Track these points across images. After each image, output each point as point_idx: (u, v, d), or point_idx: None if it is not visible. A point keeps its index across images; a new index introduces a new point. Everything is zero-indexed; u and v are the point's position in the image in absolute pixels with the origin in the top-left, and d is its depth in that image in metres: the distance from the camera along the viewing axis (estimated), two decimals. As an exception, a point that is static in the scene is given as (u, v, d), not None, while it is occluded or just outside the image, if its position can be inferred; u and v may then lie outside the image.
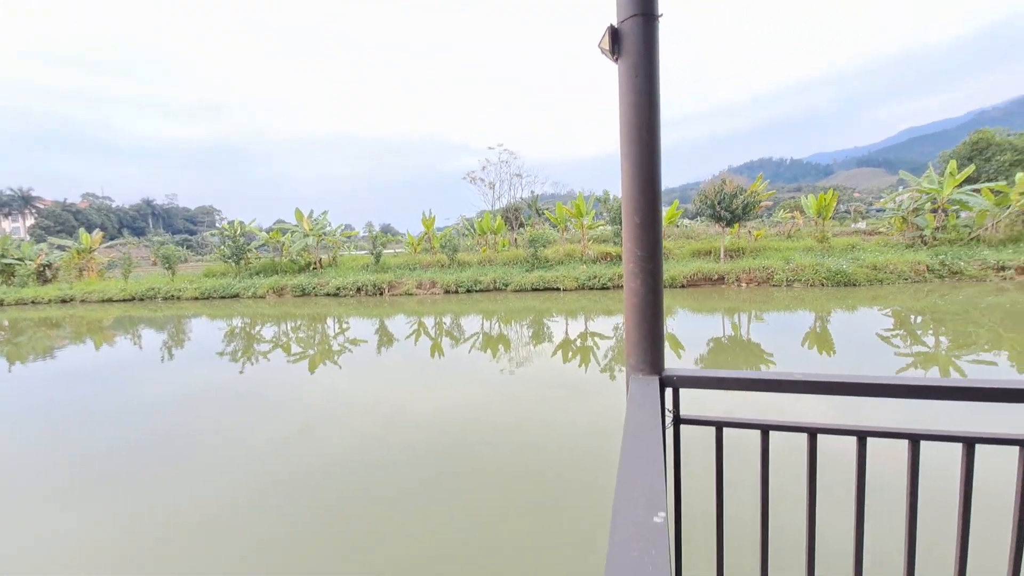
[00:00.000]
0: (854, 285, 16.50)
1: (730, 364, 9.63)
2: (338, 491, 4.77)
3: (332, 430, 6.47)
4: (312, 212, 25.46)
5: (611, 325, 13.54)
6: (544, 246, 21.19)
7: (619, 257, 20.72)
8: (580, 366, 9.61)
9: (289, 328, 15.17)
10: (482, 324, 14.53)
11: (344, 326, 15.04)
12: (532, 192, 33.29)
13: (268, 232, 26.08)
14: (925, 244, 19.08)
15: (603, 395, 7.87)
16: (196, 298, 22.24)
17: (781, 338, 11.44)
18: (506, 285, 19.62)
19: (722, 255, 19.71)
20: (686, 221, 41.01)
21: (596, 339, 11.96)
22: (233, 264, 24.39)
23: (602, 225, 23.94)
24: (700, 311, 15.12)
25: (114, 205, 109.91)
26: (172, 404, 7.85)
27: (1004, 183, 19.37)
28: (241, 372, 10.07)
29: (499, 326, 14.35)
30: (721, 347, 10.82)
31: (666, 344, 10.97)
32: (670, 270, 18.54)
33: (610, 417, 6.59)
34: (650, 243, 1.31)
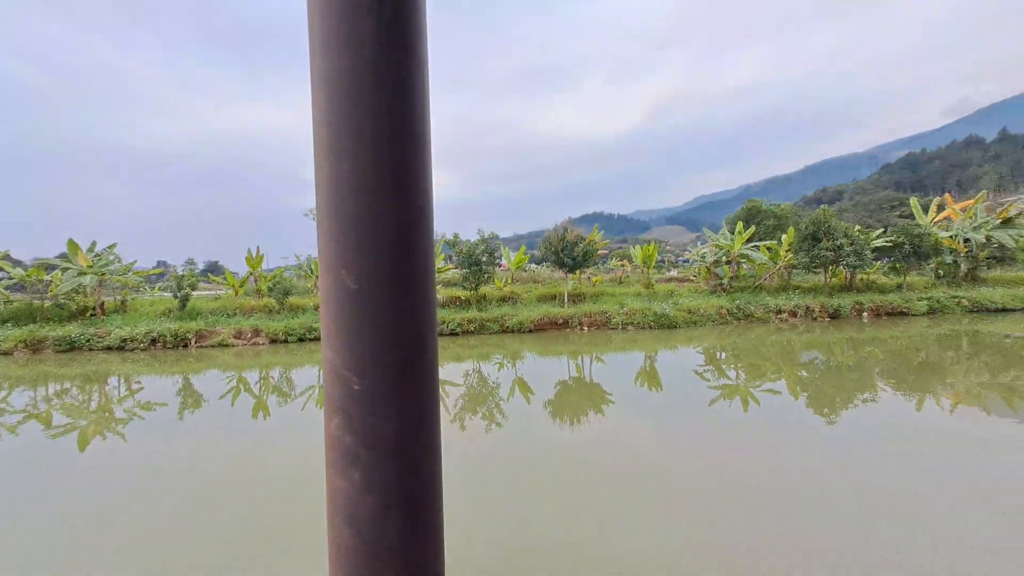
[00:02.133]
0: (675, 327, 18.48)
1: (575, 406, 9.75)
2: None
3: (96, 528, 4.48)
4: (95, 244, 20.46)
5: (460, 372, 12.91)
6: (391, 289, 19.87)
7: (468, 301, 20.46)
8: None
9: (51, 392, 11.47)
10: (318, 377, 12.72)
11: (134, 387, 11.93)
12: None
13: (27, 268, 20.18)
14: (724, 291, 22.48)
15: (452, 449, 7.24)
16: None
17: (619, 377, 12.19)
18: (347, 332, 17.70)
19: (566, 300, 20.68)
20: (533, 266, 43.19)
21: (443, 387, 11.23)
22: (-37, 309, 18.17)
23: (451, 269, 23.62)
24: (547, 355, 15.33)
25: None
26: None
27: (774, 242, 24.00)
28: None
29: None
30: (567, 389, 10.96)
31: (515, 389, 10.83)
32: (518, 315, 18.75)
33: (457, 465, 5.80)
34: (379, 353, 0.47)
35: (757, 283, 23.15)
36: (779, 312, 19.86)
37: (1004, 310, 20.15)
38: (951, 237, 23.04)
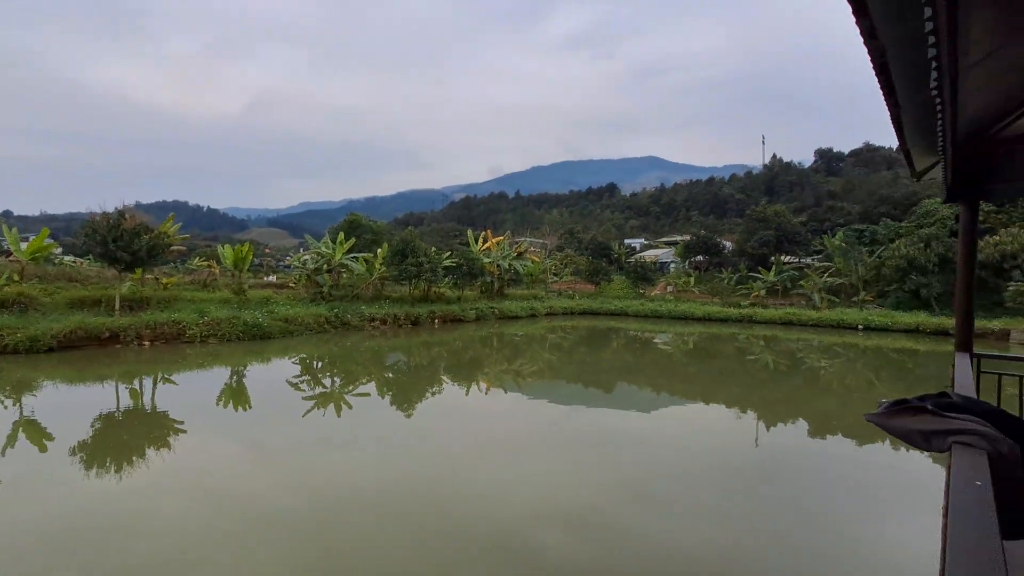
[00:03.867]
0: (269, 338, 17.08)
1: (124, 443, 7.60)
2: None
3: None
4: None
5: None
6: None
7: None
8: None
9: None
10: None
11: None
12: None
13: None
14: (324, 299, 22.60)
15: None
16: None
17: (194, 399, 10.34)
18: None
19: (118, 306, 15.84)
20: (70, 259, 31.52)
21: None
22: None
23: None
24: (83, 381, 11.33)
25: None
26: None
27: (371, 255, 25.99)
28: None
29: None
30: (113, 423, 8.39)
31: (18, 435, 7.39)
32: (31, 328, 13.06)
33: None
34: None
35: (355, 292, 24.44)
36: (372, 320, 21.52)
37: (517, 317, 28.62)
38: (490, 263, 31.04)
